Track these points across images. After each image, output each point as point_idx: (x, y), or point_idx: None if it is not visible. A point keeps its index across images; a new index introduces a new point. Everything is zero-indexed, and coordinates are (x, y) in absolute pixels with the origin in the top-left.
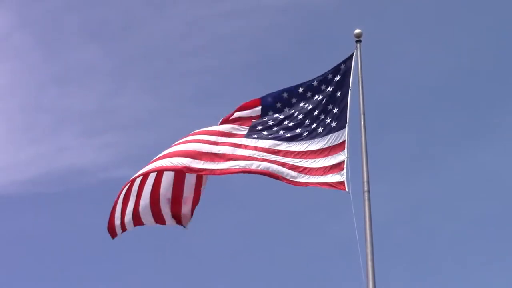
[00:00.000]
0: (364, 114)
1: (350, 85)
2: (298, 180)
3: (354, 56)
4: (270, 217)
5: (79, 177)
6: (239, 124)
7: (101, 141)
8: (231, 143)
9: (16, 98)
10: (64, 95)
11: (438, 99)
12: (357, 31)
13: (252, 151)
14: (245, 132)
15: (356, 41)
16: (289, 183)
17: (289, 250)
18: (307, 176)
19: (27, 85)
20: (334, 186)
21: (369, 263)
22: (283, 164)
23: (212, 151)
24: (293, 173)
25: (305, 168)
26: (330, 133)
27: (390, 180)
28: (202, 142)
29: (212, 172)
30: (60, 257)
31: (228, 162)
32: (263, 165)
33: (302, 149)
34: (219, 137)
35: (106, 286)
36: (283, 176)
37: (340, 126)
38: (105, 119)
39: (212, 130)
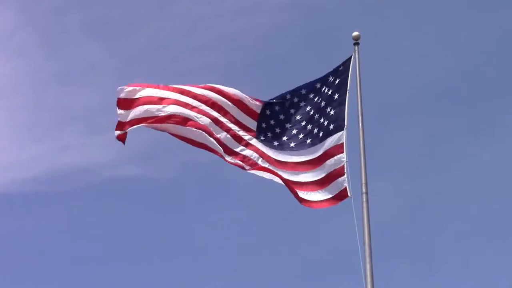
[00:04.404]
0: (362, 116)
1: (348, 88)
2: (306, 198)
3: (352, 59)
4: (270, 216)
5: (83, 176)
6: (246, 112)
7: (104, 139)
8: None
9: (18, 97)
10: (67, 94)
11: (440, 98)
12: (355, 33)
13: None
14: (254, 128)
15: (354, 44)
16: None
17: (288, 249)
18: (312, 193)
19: (30, 83)
20: (337, 200)
21: (368, 266)
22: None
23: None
24: (301, 193)
25: (311, 182)
26: (328, 136)
27: (391, 178)
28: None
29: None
30: (63, 257)
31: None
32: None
33: (306, 159)
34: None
35: (108, 285)
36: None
37: (338, 128)
38: (108, 117)
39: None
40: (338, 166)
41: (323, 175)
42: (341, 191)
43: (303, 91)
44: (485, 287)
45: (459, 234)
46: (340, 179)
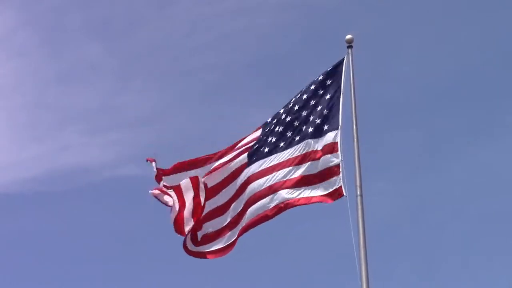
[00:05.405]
0: (356, 119)
1: (342, 89)
2: (299, 197)
3: (345, 62)
4: None
5: (83, 175)
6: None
7: (105, 139)
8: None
9: (19, 96)
10: (68, 93)
11: (440, 98)
12: (348, 36)
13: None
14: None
15: (348, 47)
16: (292, 206)
17: (287, 250)
18: (303, 189)
19: (31, 83)
20: (331, 198)
21: (363, 268)
22: (281, 186)
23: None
24: (291, 191)
25: (302, 177)
26: (320, 136)
27: (391, 178)
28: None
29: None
30: (63, 257)
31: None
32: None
33: (295, 155)
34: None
35: (108, 285)
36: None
37: (331, 128)
38: (109, 117)
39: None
40: (332, 165)
41: (315, 171)
42: (336, 189)
43: (295, 107)
44: (485, 287)
45: (459, 234)
46: (334, 178)
